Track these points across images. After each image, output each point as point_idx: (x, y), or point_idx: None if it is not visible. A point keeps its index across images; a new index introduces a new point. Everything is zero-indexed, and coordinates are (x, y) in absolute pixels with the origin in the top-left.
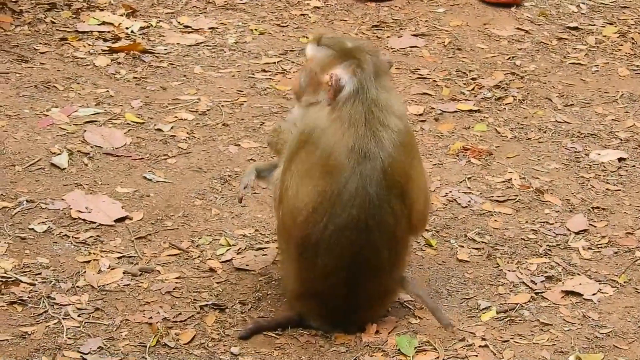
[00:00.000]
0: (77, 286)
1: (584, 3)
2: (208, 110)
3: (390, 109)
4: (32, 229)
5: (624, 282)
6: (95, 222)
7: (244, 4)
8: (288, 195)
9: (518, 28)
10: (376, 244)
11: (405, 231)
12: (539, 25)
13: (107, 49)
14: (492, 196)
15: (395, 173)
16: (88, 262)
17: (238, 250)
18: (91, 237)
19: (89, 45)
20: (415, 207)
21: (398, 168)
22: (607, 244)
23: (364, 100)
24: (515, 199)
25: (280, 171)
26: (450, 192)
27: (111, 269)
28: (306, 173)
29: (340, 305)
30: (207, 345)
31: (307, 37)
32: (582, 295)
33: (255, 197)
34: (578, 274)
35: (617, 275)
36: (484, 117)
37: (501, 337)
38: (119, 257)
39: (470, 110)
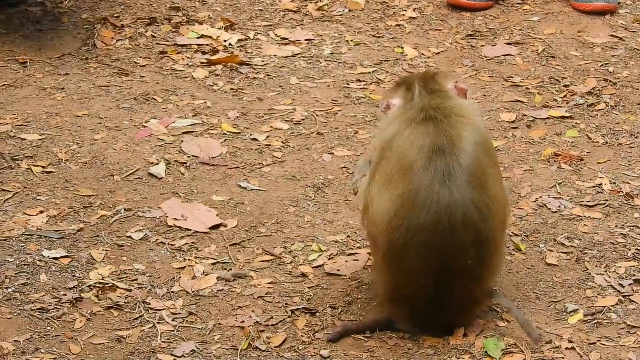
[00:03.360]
0: (172, 291)
1: None
2: (303, 119)
3: (459, 112)
4: (129, 236)
5: None
6: (190, 230)
7: (340, 15)
8: (373, 204)
9: (612, 35)
10: (462, 243)
11: (493, 230)
12: (633, 32)
13: (205, 61)
14: (582, 201)
15: (474, 169)
16: (183, 268)
17: (330, 255)
18: (186, 244)
19: (188, 57)
20: (499, 205)
21: (476, 165)
22: None
23: (424, 104)
24: (605, 203)
25: (366, 183)
26: (541, 197)
27: (205, 275)
28: (386, 180)
29: (428, 308)
30: (297, 348)
31: (401, 48)
32: None
33: (347, 204)
34: None
35: None
36: (576, 123)
37: (588, 340)
38: (213, 263)
39: (562, 117)
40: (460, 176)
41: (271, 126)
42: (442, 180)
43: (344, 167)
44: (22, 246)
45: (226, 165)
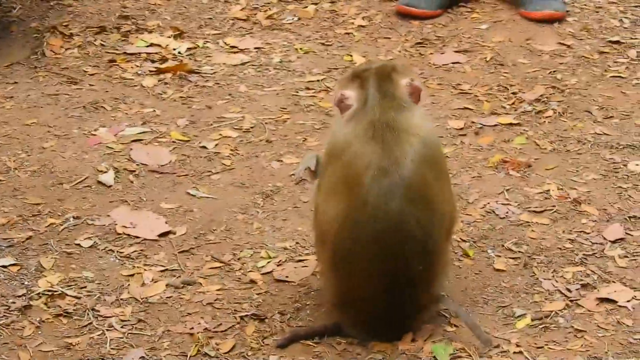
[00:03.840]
0: (121, 299)
1: (626, 17)
2: (252, 127)
3: (408, 128)
4: (78, 244)
5: None
6: (139, 237)
7: (290, 24)
8: (320, 209)
9: (560, 43)
10: (406, 258)
11: (437, 243)
12: (581, 39)
13: (155, 69)
14: (529, 207)
15: (417, 187)
16: (132, 275)
17: (278, 262)
18: (135, 251)
19: (137, 66)
20: (443, 217)
21: (419, 182)
22: None
23: (373, 118)
24: (553, 209)
25: (316, 186)
26: (489, 203)
27: (154, 282)
28: (333, 187)
29: (376, 315)
30: (247, 354)
31: (350, 56)
32: (617, 302)
33: (296, 211)
34: (613, 282)
35: None
36: (524, 130)
37: (535, 344)
38: (162, 271)
39: (510, 124)
40: (401, 195)
41: (220, 134)
42: (385, 198)
43: (293, 174)
44: None
45: (175, 173)
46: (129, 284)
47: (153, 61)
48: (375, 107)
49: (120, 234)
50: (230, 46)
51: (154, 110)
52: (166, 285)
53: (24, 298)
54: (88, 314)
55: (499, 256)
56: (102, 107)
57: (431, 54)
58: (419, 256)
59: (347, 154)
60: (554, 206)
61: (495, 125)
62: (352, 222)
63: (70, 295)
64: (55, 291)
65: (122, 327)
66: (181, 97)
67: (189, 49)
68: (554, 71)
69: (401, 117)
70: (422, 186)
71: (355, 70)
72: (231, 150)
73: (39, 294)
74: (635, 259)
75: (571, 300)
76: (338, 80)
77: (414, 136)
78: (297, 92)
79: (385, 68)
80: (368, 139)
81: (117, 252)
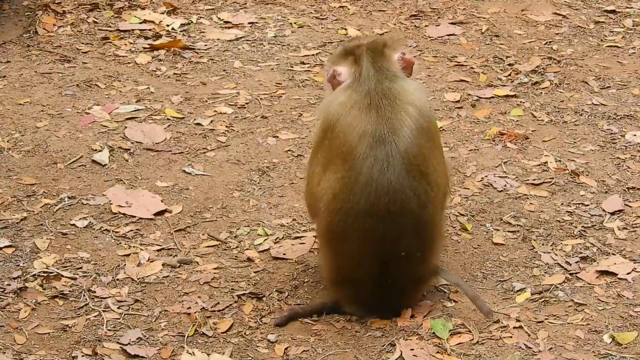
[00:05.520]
0: (117, 279)
1: None
2: (247, 103)
3: (404, 97)
4: (74, 224)
5: None
6: (135, 216)
7: None
8: (313, 182)
9: (555, 13)
10: (401, 230)
11: (432, 215)
12: (577, 9)
13: (148, 46)
14: (527, 179)
15: (413, 157)
16: (128, 255)
17: (275, 239)
18: (131, 230)
19: (130, 43)
20: (439, 189)
21: (415, 152)
22: None
23: (369, 88)
24: (551, 181)
25: (309, 159)
26: (486, 176)
27: (151, 262)
28: (327, 160)
29: (374, 291)
30: (245, 333)
31: (345, 29)
32: (617, 274)
33: (293, 187)
34: (613, 254)
35: None
36: (521, 102)
37: (535, 318)
38: (158, 250)
39: (506, 96)
40: (399, 164)
41: (215, 111)
42: (381, 168)
43: (289, 150)
44: None
45: (170, 151)
46: (125, 264)
47: (146, 38)
48: (371, 78)
49: (115, 213)
50: (224, 21)
51: (148, 88)
52: (162, 264)
53: (19, 280)
54: (84, 295)
55: (498, 230)
56: (95, 85)
57: (426, 26)
58: (414, 228)
59: (342, 123)
60: (552, 178)
61: (492, 97)
62: (345, 193)
63: (66, 277)
64: (51, 272)
65: (118, 307)
66: (175, 73)
67: (182, 24)
68: (550, 42)
69: (397, 87)
70: (419, 157)
71: (346, 47)
72: (226, 126)
73: (34, 275)
74: (634, 231)
75: (571, 274)
76: (329, 56)
77: (410, 105)
78: (292, 67)
79: (377, 43)
80: (364, 107)
81: (113, 231)
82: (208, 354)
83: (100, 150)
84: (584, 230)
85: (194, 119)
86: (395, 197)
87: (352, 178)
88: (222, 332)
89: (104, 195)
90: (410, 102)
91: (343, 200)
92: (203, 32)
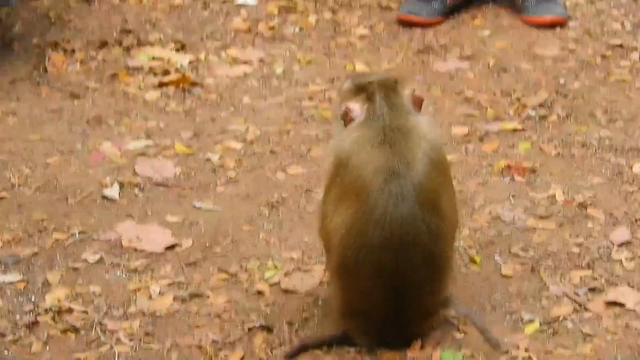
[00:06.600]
0: (129, 313)
1: (628, 20)
2: (256, 138)
3: (417, 132)
4: (85, 259)
5: None
6: (145, 251)
7: (291, 34)
8: (327, 219)
9: (562, 47)
10: (413, 262)
11: (443, 248)
12: (583, 44)
13: (157, 83)
14: (536, 212)
15: (426, 191)
16: (139, 289)
17: (285, 272)
18: (142, 265)
19: (139, 80)
20: (450, 222)
21: (429, 186)
22: None
23: (384, 124)
24: (559, 214)
25: (322, 197)
26: (495, 209)
27: (161, 295)
28: (340, 197)
29: (384, 323)
30: None
31: (353, 65)
32: (625, 305)
33: (302, 221)
34: (621, 285)
35: None
36: (528, 135)
37: (544, 349)
38: (169, 284)
39: (514, 130)
40: (412, 198)
41: (224, 146)
42: (395, 202)
43: (298, 184)
44: None
45: (180, 186)
46: (136, 298)
47: (155, 74)
48: (385, 115)
49: (126, 248)
50: (233, 58)
51: (158, 124)
52: (173, 298)
53: (31, 314)
54: (96, 329)
55: (506, 262)
56: (105, 121)
57: (434, 61)
58: (425, 261)
59: (356, 159)
60: (560, 211)
61: (500, 131)
62: (358, 227)
63: (78, 310)
64: (63, 306)
65: (130, 340)
66: (184, 110)
67: (191, 61)
68: (557, 76)
69: (410, 123)
70: (432, 190)
71: (357, 83)
72: (235, 161)
73: (46, 309)
74: None
75: (579, 305)
76: (339, 92)
77: (424, 140)
78: (300, 102)
79: (389, 80)
80: (378, 143)
81: (124, 266)
82: None
83: (110, 186)
84: (592, 262)
85: (204, 154)
86: (408, 230)
87: (366, 212)
88: None
89: (114, 230)
90: (423, 137)
91: (357, 234)
92: (212, 68)
